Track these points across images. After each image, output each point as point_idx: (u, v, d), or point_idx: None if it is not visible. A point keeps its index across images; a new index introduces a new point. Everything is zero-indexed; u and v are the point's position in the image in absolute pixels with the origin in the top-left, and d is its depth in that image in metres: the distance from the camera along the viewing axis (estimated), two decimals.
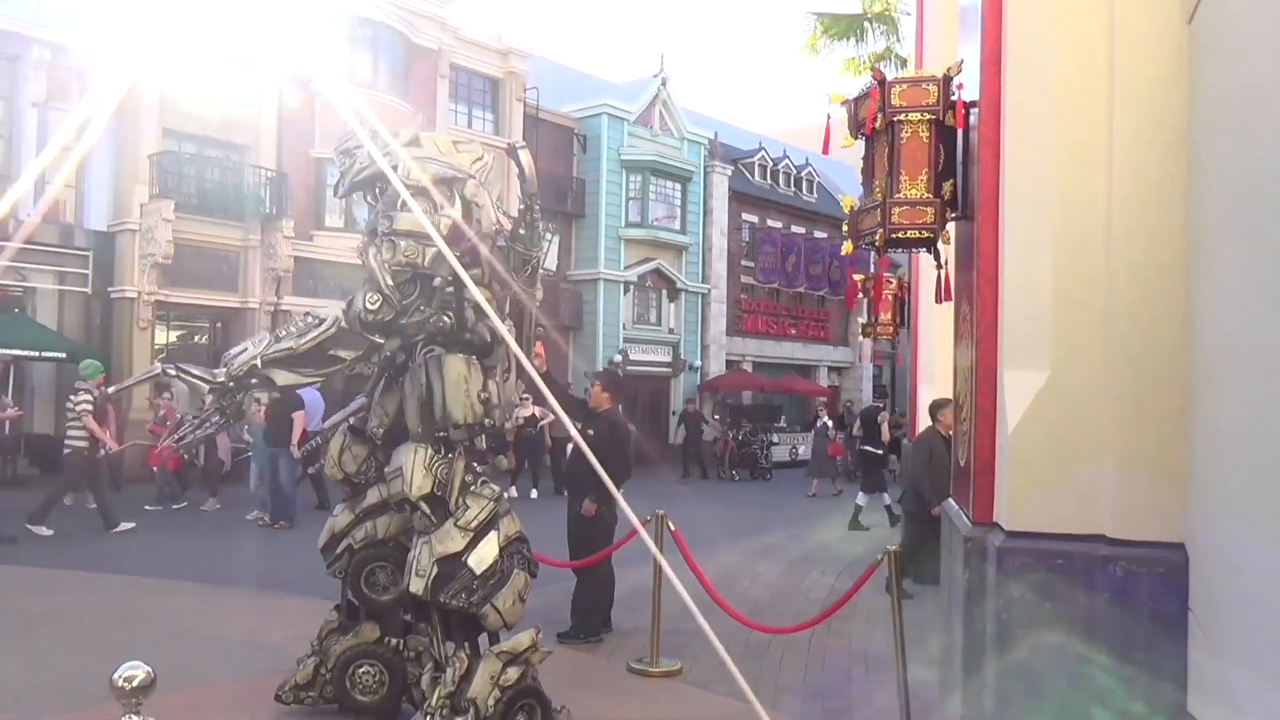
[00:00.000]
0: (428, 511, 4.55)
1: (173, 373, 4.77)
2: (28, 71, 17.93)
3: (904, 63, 17.60)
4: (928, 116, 4.53)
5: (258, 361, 4.60)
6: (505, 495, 4.99)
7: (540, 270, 4.96)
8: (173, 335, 20.22)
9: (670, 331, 29.22)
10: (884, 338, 12.18)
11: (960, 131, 4.52)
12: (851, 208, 4.92)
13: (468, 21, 24.00)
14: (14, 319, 17.39)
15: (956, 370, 4.99)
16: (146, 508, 13.43)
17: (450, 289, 4.57)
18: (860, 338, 12.25)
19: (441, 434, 4.73)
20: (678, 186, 28.88)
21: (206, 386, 4.67)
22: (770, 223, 32.64)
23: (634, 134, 27.68)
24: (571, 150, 27.11)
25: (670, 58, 79.12)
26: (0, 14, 17.49)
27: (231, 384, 4.63)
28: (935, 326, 11.10)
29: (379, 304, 4.57)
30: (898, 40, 17.28)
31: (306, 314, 4.92)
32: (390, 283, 4.55)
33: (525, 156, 4.77)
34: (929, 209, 4.51)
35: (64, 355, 16.31)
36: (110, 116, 19.13)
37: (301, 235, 20.28)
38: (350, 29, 20.64)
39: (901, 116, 4.53)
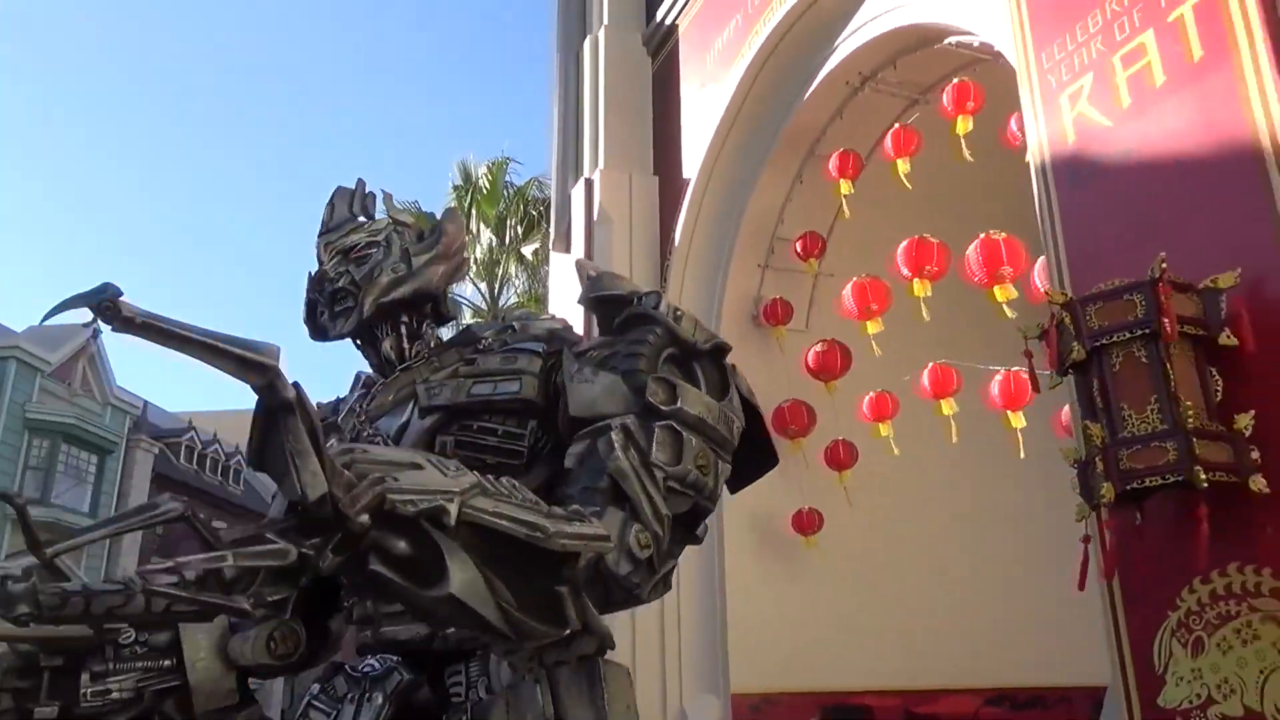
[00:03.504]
0: None
1: None
2: None
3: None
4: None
5: None
6: None
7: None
8: None
9: None
10: None
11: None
12: (1098, 439, 3.54)
13: None
14: None
15: None
16: None
17: None
18: None
19: None
20: (94, 459, 23.30)
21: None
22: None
23: (47, 389, 22.03)
24: None
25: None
26: None
27: None
28: None
29: (651, 547, 1.99)
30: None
31: None
32: (667, 512, 2.04)
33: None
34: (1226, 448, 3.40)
35: None
36: None
37: None
38: None
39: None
